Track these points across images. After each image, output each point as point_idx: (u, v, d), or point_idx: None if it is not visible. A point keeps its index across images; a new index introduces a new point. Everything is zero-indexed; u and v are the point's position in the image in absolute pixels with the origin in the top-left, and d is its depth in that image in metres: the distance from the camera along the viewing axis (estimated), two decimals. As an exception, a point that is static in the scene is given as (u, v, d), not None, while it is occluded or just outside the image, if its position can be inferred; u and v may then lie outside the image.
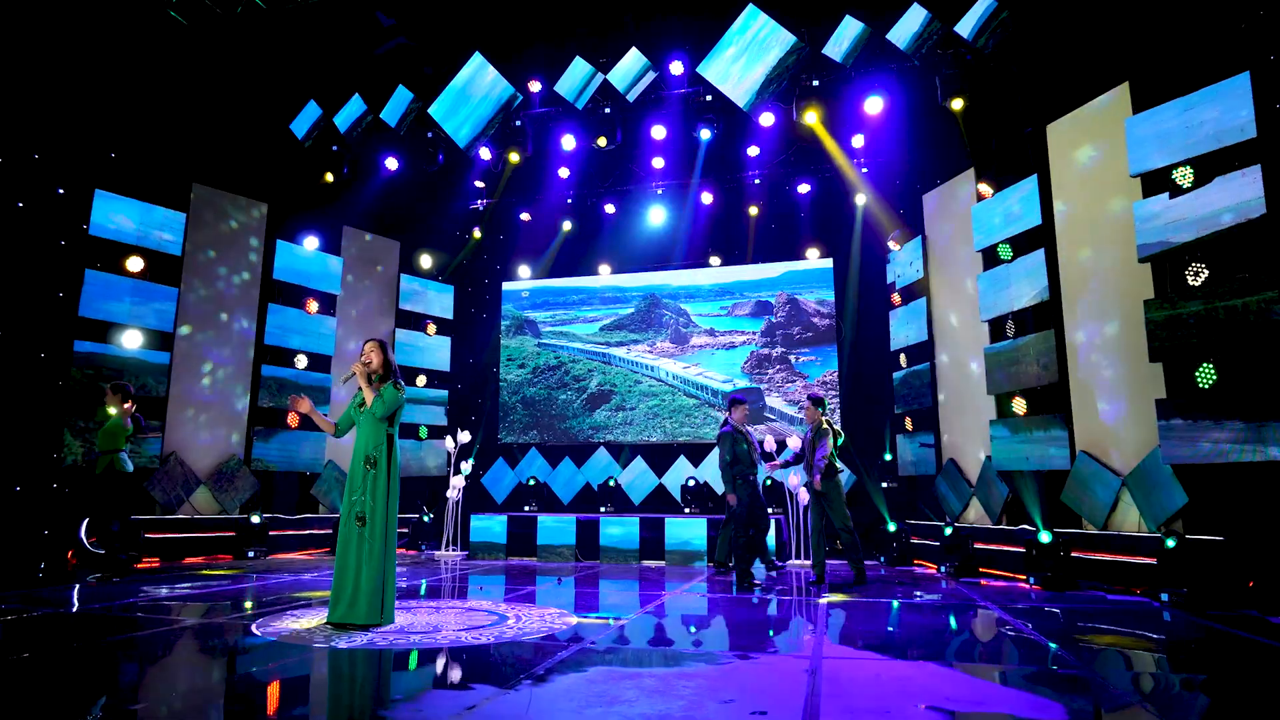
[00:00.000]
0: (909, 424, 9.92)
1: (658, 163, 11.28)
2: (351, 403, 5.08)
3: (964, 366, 9.12)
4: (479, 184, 12.02)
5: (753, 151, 10.97)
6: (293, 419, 10.11)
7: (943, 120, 9.53)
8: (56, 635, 4.32)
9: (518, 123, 10.03)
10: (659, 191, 11.64)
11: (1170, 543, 5.80)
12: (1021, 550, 7.64)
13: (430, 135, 10.13)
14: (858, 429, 10.71)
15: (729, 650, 4.10)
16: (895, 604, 5.84)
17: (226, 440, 9.63)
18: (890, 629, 4.83)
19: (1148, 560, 6.40)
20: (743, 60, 9.01)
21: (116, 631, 4.46)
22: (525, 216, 12.11)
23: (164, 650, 4.11)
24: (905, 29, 8.60)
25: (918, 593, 6.53)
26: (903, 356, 10.12)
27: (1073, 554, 6.90)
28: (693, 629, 4.97)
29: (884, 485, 10.42)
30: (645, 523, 9.33)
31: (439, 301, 12.02)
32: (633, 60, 9.42)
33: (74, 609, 5.31)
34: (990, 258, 8.72)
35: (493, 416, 12.29)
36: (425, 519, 10.78)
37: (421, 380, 11.66)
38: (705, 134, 9.62)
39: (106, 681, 3.46)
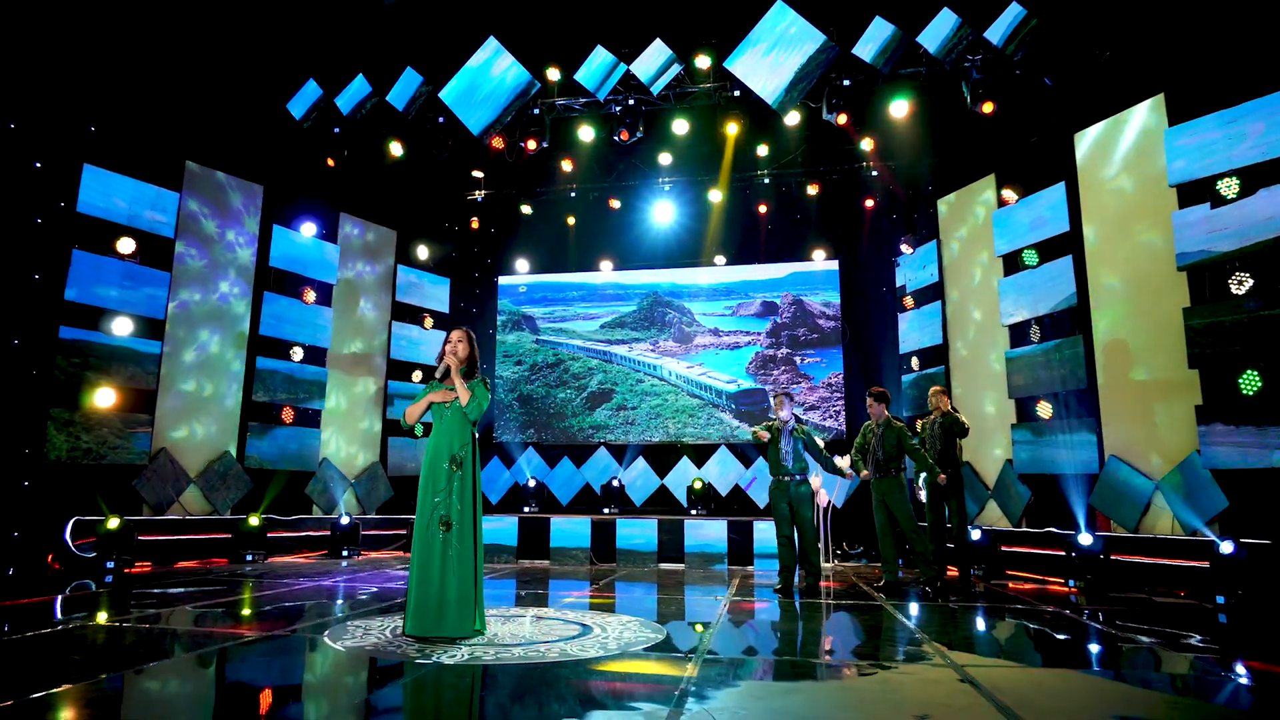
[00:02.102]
0: (919, 426, 9.94)
1: (665, 158, 11.10)
2: (424, 390, 4.74)
3: (981, 370, 9.19)
4: (477, 174, 11.64)
5: (762, 150, 10.90)
6: (288, 414, 9.57)
7: (960, 125, 9.59)
8: (109, 655, 3.89)
9: (535, 111, 9.70)
10: (666, 188, 11.45)
11: (1228, 547, 5.89)
12: (1049, 553, 7.74)
13: (442, 121, 9.72)
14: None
15: (861, 659, 3.94)
16: (964, 609, 5.78)
17: (218, 436, 9.05)
18: (990, 635, 4.75)
19: (1190, 564, 6.51)
20: (771, 57, 8.89)
21: (174, 650, 4.05)
22: (526, 209, 11.77)
23: (256, 669, 3.74)
24: (936, 33, 8.61)
25: (958, 599, 6.49)
26: (915, 359, 10.16)
27: (1112, 557, 6.97)
28: (795, 637, 4.79)
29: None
30: (663, 524, 9.13)
31: (435, 294, 11.57)
32: (657, 52, 9.20)
33: (87, 623, 4.83)
34: (1012, 263, 8.80)
35: (487, 414, 11.90)
36: (424, 520, 10.35)
37: (417, 376, 11.21)
38: (732, 129, 9.45)
39: (228, 708, 3.11)
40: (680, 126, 9.98)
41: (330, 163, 9.83)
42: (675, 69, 9.20)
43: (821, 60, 8.78)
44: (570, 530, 9.23)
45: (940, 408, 7.66)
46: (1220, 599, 5.88)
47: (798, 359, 11.32)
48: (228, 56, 9.08)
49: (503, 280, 12.27)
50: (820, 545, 9.02)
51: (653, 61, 9.23)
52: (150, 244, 8.52)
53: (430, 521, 4.51)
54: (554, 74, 9.56)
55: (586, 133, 9.94)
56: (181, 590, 6.22)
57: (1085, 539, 6.99)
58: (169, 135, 8.80)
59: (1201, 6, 7.01)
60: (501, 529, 9.36)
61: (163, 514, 8.44)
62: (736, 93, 9.27)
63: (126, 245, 8.28)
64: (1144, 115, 7.52)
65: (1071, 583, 6.99)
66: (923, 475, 7.80)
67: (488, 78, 9.47)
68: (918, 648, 4.19)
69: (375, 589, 6.56)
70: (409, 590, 4.44)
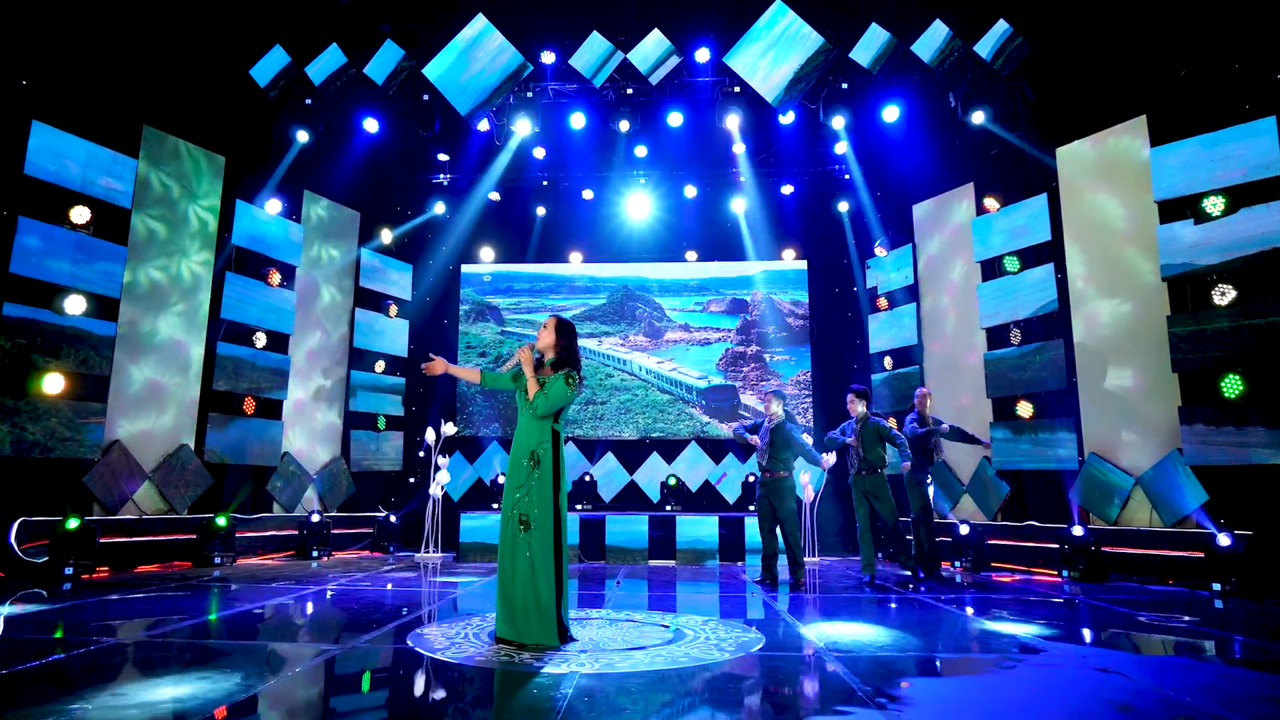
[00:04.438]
0: (892, 424, 10.26)
1: (641, 150, 10.98)
2: (517, 369, 4.48)
3: (956, 370, 9.57)
4: (443, 157, 11.13)
5: (739, 149, 10.94)
6: (249, 404, 8.85)
7: (938, 134, 9.95)
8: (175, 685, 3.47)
9: (529, 94, 9.37)
10: (641, 181, 11.32)
11: (1225, 539, 6.36)
12: (1033, 545, 8.17)
13: (426, 98, 9.23)
14: (831, 429, 10.92)
15: (979, 651, 3.99)
16: (1008, 599, 5.99)
17: (175, 428, 8.27)
18: (1058, 624, 4.91)
19: (1176, 554, 7.01)
20: (770, 55, 8.93)
21: (270, 665, 3.65)
22: (495, 196, 11.36)
23: (383, 686, 3.40)
24: (928, 43, 8.88)
25: (974, 590, 6.75)
26: (887, 359, 10.47)
27: (1102, 549, 7.41)
28: (886, 632, 4.78)
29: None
30: (655, 521, 9.03)
31: (398, 280, 11.00)
32: (655, 43, 9.06)
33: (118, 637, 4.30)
34: (991, 268, 9.21)
35: (449, 407, 11.42)
36: (392, 518, 9.84)
37: (380, 366, 10.62)
38: (734, 121, 9.42)
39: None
40: (666, 119, 9.89)
41: (304, 136, 9.14)
42: (674, 60, 9.10)
43: (820, 62, 8.90)
44: (558, 527, 8.97)
45: (922, 409, 8.00)
46: (1216, 586, 6.35)
47: (767, 356, 11.45)
48: (190, 10, 8.28)
49: (466, 269, 11.79)
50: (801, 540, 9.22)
51: (651, 51, 9.09)
52: (105, 214, 7.66)
53: (511, 519, 4.28)
54: (549, 57, 9.24)
55: (578, 120, 9.67)
56: (169, 596, 5.63)
57: (1078, 531, 7.40)
58: (126, 94, 7.93)
59: (1183, 39, 7.51)
60: (485, 527, 9.00)
61: (115, 513, 7.63)
62: (737, 88, 9.26)
63: (80, 214, 7.41)
64: (1126, 135, 8.02)
65: (1065, 573, 7.39)
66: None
67: (477, 57, 9.06)
68: (1014, 638, 4.30)
69: (392, 591, 6.16)
70: (497, 590, 4.21)
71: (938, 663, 3.81)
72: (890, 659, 3.87)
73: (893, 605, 5.72)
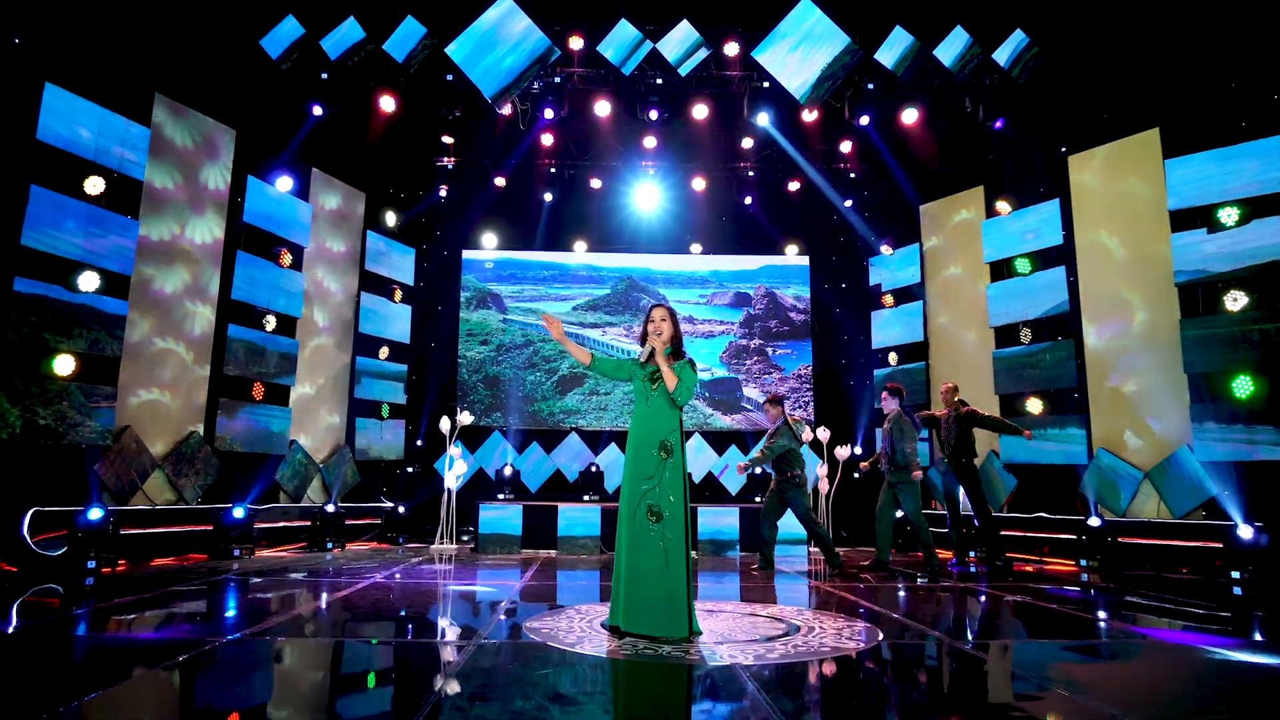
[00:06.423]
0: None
1: (650, 141, 10.93)
2: (630, 363, 4.43)
3: (962, 367, 9.86)
4: (447, 139, 10.84)
5: (747, 143, 11.02)
6: (258, 390, 8.48)
7: (950, 136, 10.20)
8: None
9: (557, 79, 9.21)
10: (650, 171, 11.27)
11: (1247, 531, 6.75)
12: (1041, 536, 8.51)
13: (450, 79, 8.98)
14: (831, 422, 11.12)
15: (1088, 637, 4.14)
16: (1051, 589, 6.21)
17: (184, 414, 7.86)
18: (1134, 611, 5.14)
19: (1190, 544, 7.40)
20: (798, 53, 9.00)
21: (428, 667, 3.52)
22: (500, 181, 11.14)
23: (571, 683, 3.31)
24: (949, 49, 9.09)
25: (1011, 579, 6.99)
26: (892, 355, 10.71)
27: (1119, 540, 7.76)
28: (979, 620, 4.92)
29: (855, 475, 10.96)
30: (675, 513, 9.02)
31: (402, 265, 10.69)
32: (684, 34, 9.04)
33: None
34: (999, 270, 9.52)
35: (449, 395, 11.18)
36: (400, 509, 9.58)
37: (384, 352, 10.31)
38: (764, 118, 9.47)
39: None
40: (684, 110, 9.88)
41: (319, 111, 8.78)
42: (703, 52, 9.08)
43: (847, 61, 9.02)
44: (580, 519, 8.90)
45: (952, 403, 8.16)
46: (1236, 574, 6.73)
47: (769, 350, 11.58)
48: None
49: (468, 254, 11.54)
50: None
51: (679, 42, 9.06)
52: (119, 185, 7.21)
53: (637, 511, 4.23)
54: (576, 43, 9.10)
55: (602, 108, 9.57)
56: (218, 593, 5.37)
57: (1094, 522, 7.74)
58: (139, 59, 7.47)
59: (1197, 58, 7.89)
60: (505, 519, 8.86)
61: (125, 503, 7.21)
62: (765, 84, 9.30)
63: (94, 185, 6.95)
64: (1139, 145, 8.38)
65: (1083, 562, 7.72)
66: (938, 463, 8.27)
67: (502, 39, 8.86)
68: (1103, 625, 4.49)
69: (444, 586, 6.02)
70: (617, 582, 4.16)
71: (1065, 650, 3.94)
72: (1019, 647, 3.99)
73: (957, 596, 5.88)
